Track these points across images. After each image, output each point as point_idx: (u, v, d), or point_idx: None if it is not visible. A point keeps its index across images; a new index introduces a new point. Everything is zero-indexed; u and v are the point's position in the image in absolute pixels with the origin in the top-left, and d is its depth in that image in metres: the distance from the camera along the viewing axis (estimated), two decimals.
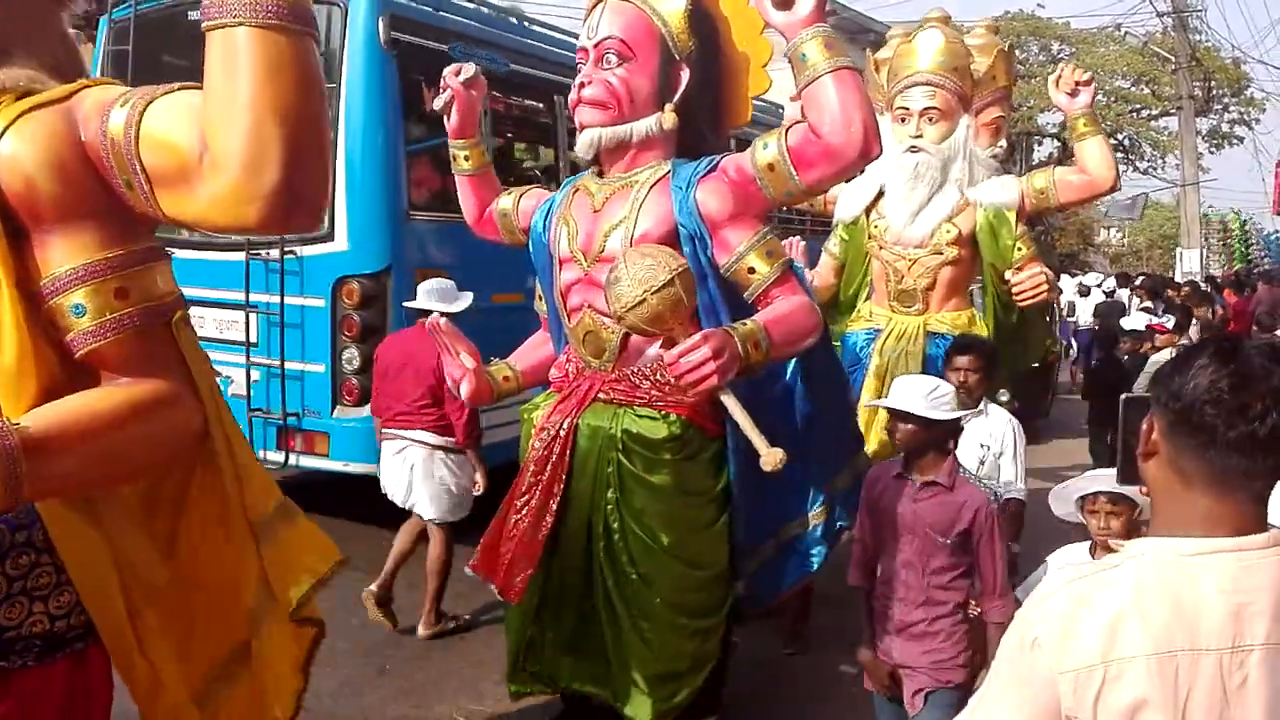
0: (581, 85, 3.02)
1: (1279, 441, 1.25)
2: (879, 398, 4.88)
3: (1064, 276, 18.58)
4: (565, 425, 3.05)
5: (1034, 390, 8.87)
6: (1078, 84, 4.87)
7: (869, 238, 5.10)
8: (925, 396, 2.88)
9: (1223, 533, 1.28)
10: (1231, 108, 28.52)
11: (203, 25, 1.16)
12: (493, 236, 3.55)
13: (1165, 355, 6.81)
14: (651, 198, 2.97)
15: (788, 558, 3.28)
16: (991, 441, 3.94)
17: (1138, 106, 28.56)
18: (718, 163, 2.95)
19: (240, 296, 5.27)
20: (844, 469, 3.41)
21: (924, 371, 4.75)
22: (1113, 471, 2.78)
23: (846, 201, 5.20)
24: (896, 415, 2.94)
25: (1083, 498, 2.94)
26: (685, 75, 3.03)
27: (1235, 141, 28.95)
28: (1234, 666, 1.23)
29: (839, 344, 5.17)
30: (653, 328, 2.66)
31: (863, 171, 4.57)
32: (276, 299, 5.20)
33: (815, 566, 3.32)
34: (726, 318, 2.88)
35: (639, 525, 2.96)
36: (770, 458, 2.59)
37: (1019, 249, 4.83)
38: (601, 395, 3.06)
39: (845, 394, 3.67)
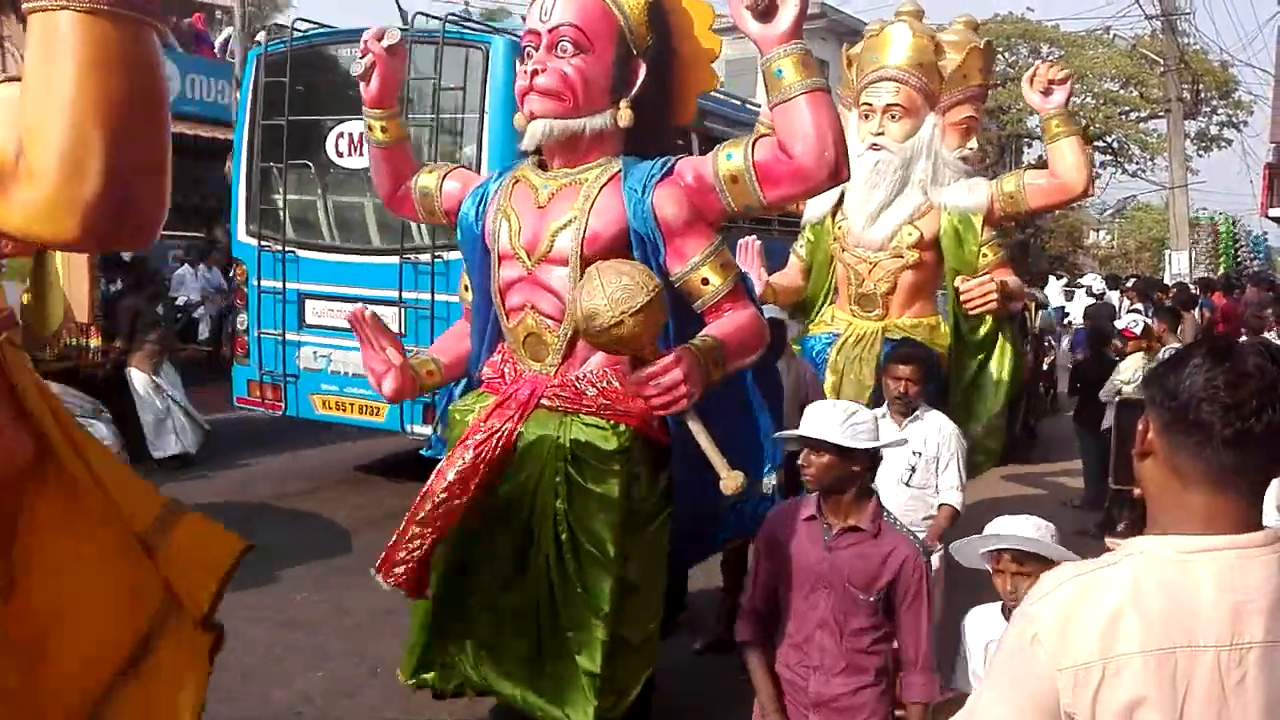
0: (534, 73, 2.86)
1: (1274, 438, 1.26)
2: None
3: (1051, 279, 18.65)
4: (506, 430, 2.92)
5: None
6: (1052, 82, 4.65)
7: (833, 239, 4.95)
8: (842, 423, 2.51)
9: (1220, 530, 1.28)
10: (1220, 110, 28.71)
11: (22, 7, 0.99)
12: (408, 214, 3.44)
13: (1135, 360, 6.83)
14: (603, 198, 2.86)
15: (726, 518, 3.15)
16: (926, 447, 3.73)
17: (1126, 109, 28.70)
18: (673, 165, 2.87)
19: (394, 294, 6.31)
20: (771, 474, 3.18)
21: (876, 382, 4.61)
22: (1021, 520, 2.68)
23: (814, 201, 5.00)
24: (809, 446, 2.55)
25: (990, 553, 2.68)
26: (642, 71, 2.93)
27: (1224, 144, 29.14)
28: (1232, 664, 1.24)
29: (799, 347, 5.04)
30: (626, 349, 2.59)
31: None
32: (427, 296, 6.23)
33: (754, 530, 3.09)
34: (674, 329, 2.79)
35: (587, 536, 2.86)
36: (731, 481, 2.52)
37: (984, 255, 4.64)
38: (545, 401, 2.94)
39: (780, 395, 3.41)
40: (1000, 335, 4.82)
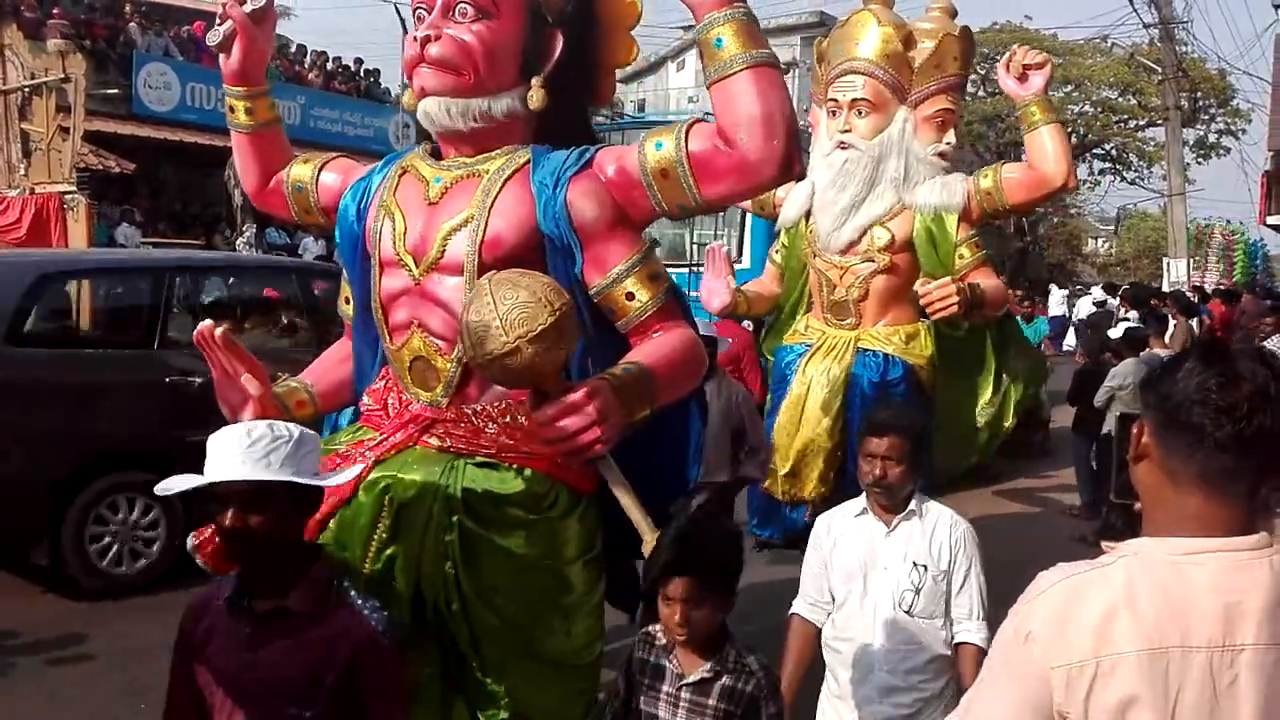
0: (424, 40, 2.34)
1: (1266, 441, 1.27)
2: (797, 429, 4.39)
3: (1053, 289, 18.68)
4: (360, 474, 2.30)
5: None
6: (1028, 68, 4.32)
7: (806, 244, 4.66)
8: (244, 449, 1.79)
9: (1213, 533, 1.29)
10: (1218, 118, 28.80)
11: None
12: (279, 212, 2.87)
13: (1128, 365, 6.89)
14: (508, 194, 2.33)
15: None
16: (931, 557, 2.69)
17: (1125, 117, 28.80)
18: (591, 156, 2.35)
19: None
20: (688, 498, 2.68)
21: (846, 393, 4.32)
22: None
23: (789, 203, 4.73)
24: (221, 498, 1.82)
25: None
26: (559, 42, 2.40)
27: (1222, 152, 29.23)
28: (1224, 665, 1.24)
29: (771, 358, 4.79)
30: (523, 382, 2.07)
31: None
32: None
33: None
34: (596, 353, 2.33)
35: (489, 607, 2.27)
36: (655, 542, 2.04)
37: (960, 256, 4.32)
38: (434, 440, 2.36)
39: (698, 426, 2.68)
40: (986, 347, 4.54)
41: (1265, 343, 9.05)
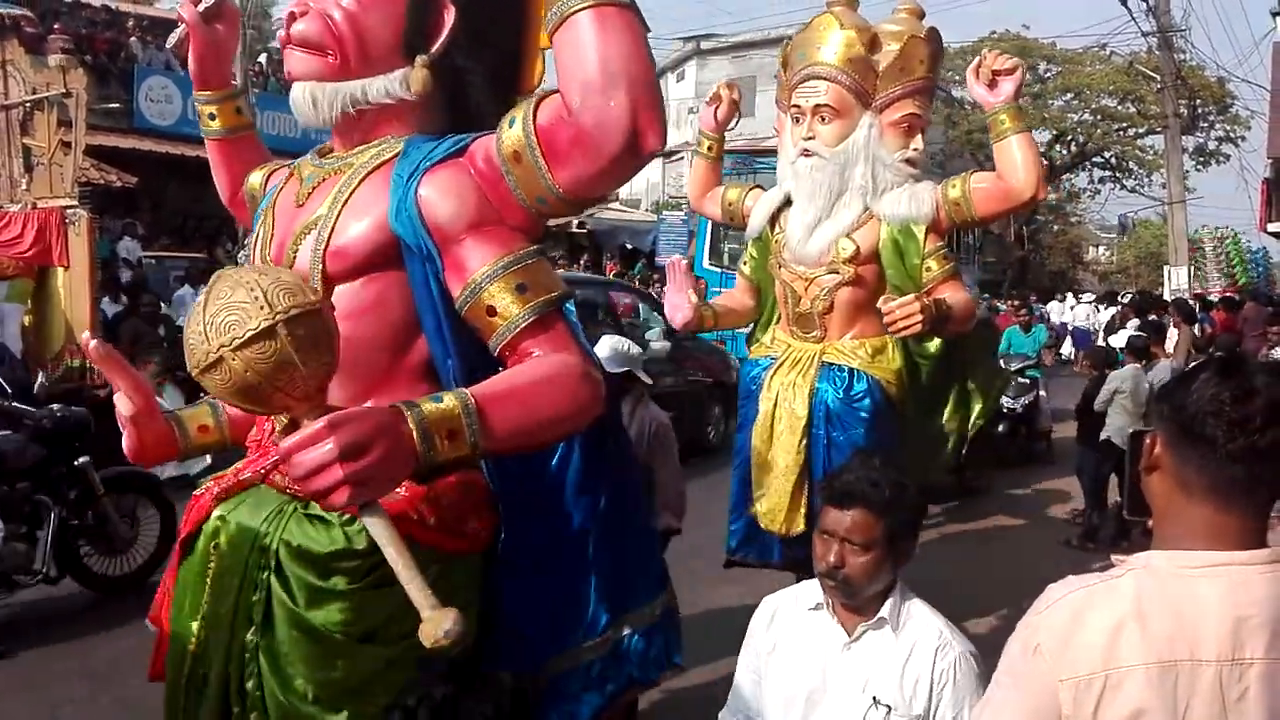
0: (291, 17, 2.03)
1: (1279, 454, 1.27)
2: (771, 445, 4.20)
3: (1054, 302, 18.70)
4: (201, 512, 2.01)
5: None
6: (997, 73, 4.07)
7: (773, 254, 4.48)
8: None
9: (1224, 546, 1.29)
10: (1217, 126, 28.84)
11: None
12: (247, 223, 2.53)
13: (1127, 370, 6.93)
14: (365, 190, 1.96)
15: (547, 705, 2.08)
16: (902, 696, 1.94)
17: (1124, 125, 28.84)
18: (467, 145, 1.95)
19: None
20: (643, 607, 2.15)
21: (810, 410, 4.17)
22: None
23: (755, 212, 4.55)
24: None
25: None
26: (449, 17, 2.02)
27: (1222, 159, 29.25)
28: (1233, 680, 1.24)
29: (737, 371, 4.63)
30: (248, 403, 1.66)
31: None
32: None
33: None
34: (460, 379, 1.89)
35: (289, 694, 1.83)
36: (431, 625, 1.50)
37: (928, 269, 4.12)
38: (279, 477, 1.97)
39: (648, 510, 2.37)
40: (951, 362, 4.34)
41: (1274, 351, 9.07)
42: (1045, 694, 1.27)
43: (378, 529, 1.59)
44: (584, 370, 1.86)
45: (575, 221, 23.77)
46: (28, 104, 7.96)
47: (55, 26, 15.33)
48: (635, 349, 4.06)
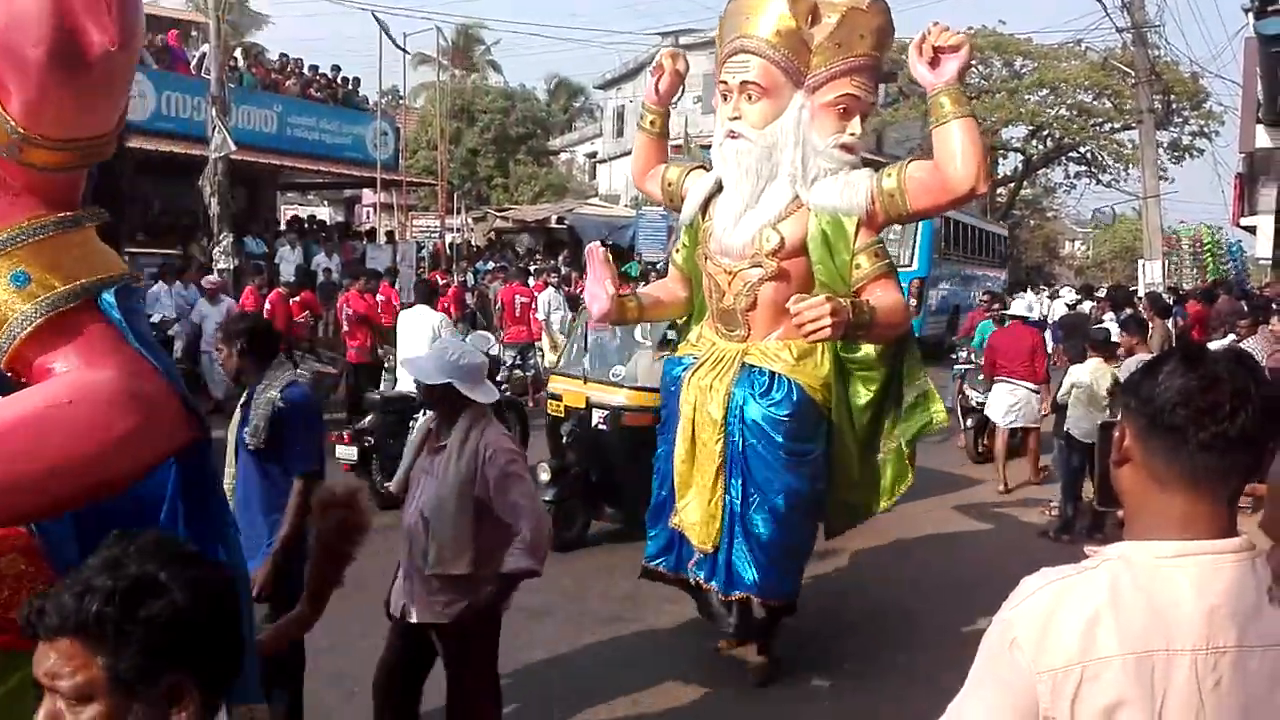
0: None
1: (1248, 440, 1.27)
2: (692, 463, 3.87)
3: (1028, 290, 18.77)
4: None
5: None
6: (939, 51, 3.72)
7: (700, 244, 4.15)
8: None
9: (1196, 535, 1.29)
10: (1191, 121, 29.07)
11: None
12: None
13: (1089, 365, 6.97)
14: None
15: None
16: None
17: (1100, 120, 29.02)
18: None
19: None
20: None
21: (725, 418, 3.80)
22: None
23: (690, 198, 4.20)
24: None
25: None
26: None
27: (1196, 154, 29.51)
28: (1208, 668, 1.25)
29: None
30: None
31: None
32: None
33: None
34: None
35: None
36: None
37: (857, 265, 3.80)
38: None
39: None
40: (891, 370, 3.98)
41: (1242, 343, 9.14)
42: (1023, 687, 1.27)
43: None
44: (121, 391, 1.36)
45: (555, 217, 23.71)
46: None
47: None
48: (471, 357, 3.23)
